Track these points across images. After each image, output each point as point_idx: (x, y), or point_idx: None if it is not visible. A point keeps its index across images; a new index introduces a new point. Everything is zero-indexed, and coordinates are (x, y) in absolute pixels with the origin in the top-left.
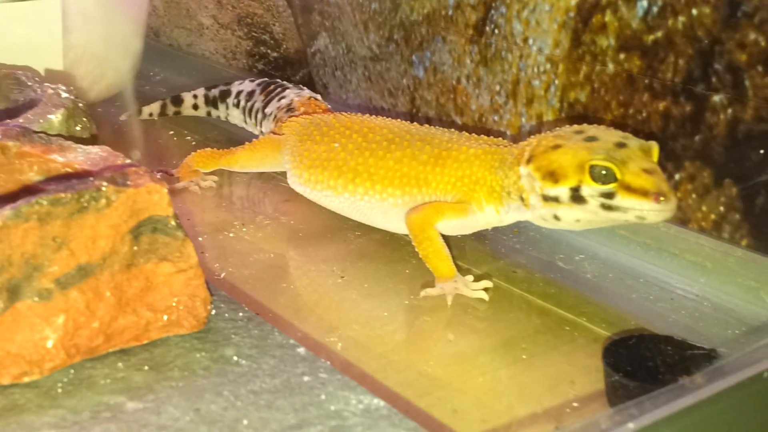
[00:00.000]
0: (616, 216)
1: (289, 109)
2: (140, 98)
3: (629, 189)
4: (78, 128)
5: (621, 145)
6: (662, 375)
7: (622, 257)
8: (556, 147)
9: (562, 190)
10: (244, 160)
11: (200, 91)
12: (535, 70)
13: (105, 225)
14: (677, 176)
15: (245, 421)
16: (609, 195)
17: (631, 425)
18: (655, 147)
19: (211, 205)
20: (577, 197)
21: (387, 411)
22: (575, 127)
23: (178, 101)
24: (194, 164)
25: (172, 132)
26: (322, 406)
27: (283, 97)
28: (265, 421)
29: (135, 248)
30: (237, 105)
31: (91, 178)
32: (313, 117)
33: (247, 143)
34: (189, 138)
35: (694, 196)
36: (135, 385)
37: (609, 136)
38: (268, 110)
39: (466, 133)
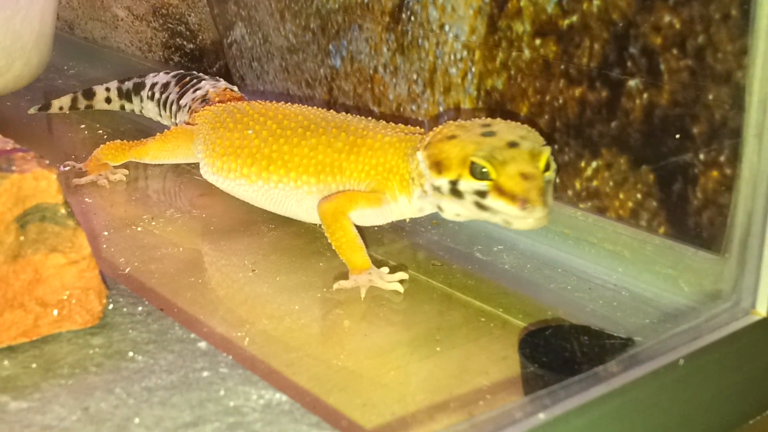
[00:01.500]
0: (487, 216)
1: (204, 100)
2: (53, 92)
3: (500, 191)
4: None
5: (513, 145)
6: (578, 365)
7: (541, 247)
8: (451, 137)
9: (443, 182)
10: (155, 151)
11: (113, 84)
12: (452, 57)
13: None
14: (594, 164)
15: (137, 420)
16: (482, 194)
17: (541, 415)
18: (545, 152)
19: (121, 199)
20: (455, 191)
21: (289, 406)
22: (485, 120)
23: (90, 94)
24: (103, 157)
25: (83, 126)
26: (221, 402)
27: (198, 89)
28: (158, 418)
29: (21, 238)
30: (151, 97)
31: None
32: (226, 105)
33: (158, 134)
34: (101, 131)
35: (611, 183)
36: (21, 384)
37: (508, 133)
38: (182, 102)
39: (384, 122)
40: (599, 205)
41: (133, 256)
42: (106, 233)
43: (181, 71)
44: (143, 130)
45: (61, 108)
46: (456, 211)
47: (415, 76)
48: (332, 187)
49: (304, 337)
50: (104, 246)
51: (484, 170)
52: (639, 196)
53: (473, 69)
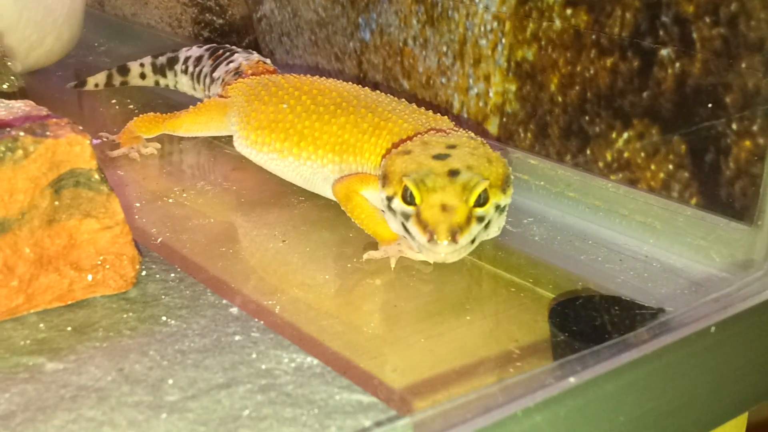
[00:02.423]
0: (410, 239)
1: (237, 72)
2: (84, 68)
3: (418, 218)
4: (5, 86)
5: (453, 174)
6: (608, 334)
7: (571, 219)
8: (406, 153)
9: (383, 195)
10: (189, 124)
11: (147, 60)
12: (482, 29)
13: (23, 177)
14: (625, 135)
15: (170, 381)
16: (407, 216)
17: (572, 379)
18: (478, 187)
19: (153, 172)
20: (390, 207)
21: (320, 369)
22: (459, 138)
23: (124, 71)
24: (136, 129)
25: (114, 101)
26: (253, 365)
27: (231, 61)
28: (191, 380)
29: (56, 203)
30: (185, 71)
31: (8, 129)
32: (261, 78)
33: (191, 107)
34: (132, 106)
35: (642, 154)
36: (56, 346)
37: (460, 159)
38: (216, 74)
39: (415, 106)
40: (630, 177)
41: (164, 226)
42: (138, 205)
43: (214, 45)
44: (174, 105)
45: (96, 85)
46: (391, 224)
47: (444, 49)
48: (352, 167)
49: (335, 306)
50: (136, 217)
51: (411, 195)
52: (671, 167)
53: (503, 40)
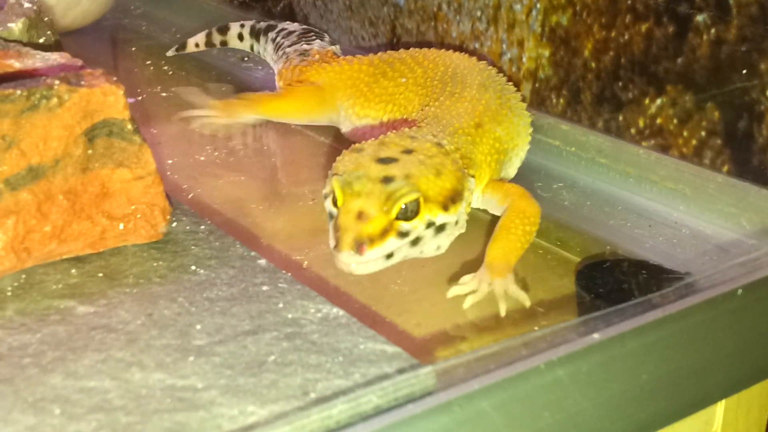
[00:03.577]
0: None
1: (302, 53)
2: (120, 31)
3: (334, 222)
4: (42, 40)
5: (385, 181)
6: (634, 296)
7: (601, 185)
8: (359, 150)
9: (326, 190)
10: (289, 111)
11: (248, 22)
12: None
13: (57, 125)
14: (658, 101)
15: (198, 326)
16: (330, 218)
17: (596, 335)
18: (406, 198)
19: (185, 131)
20: (326, 200)
21: (346, 320)
22: (422, 143)
23: (224, 30)
24: (241, 109)
25: (149, 62)
26: (279, 314)
27: (310, 44)
28: (219, 326)
29: (90, 152)
30: (273, 40)
31: (44, 78)
32: (367, 57)
33: (284, 93)
34: (166, 68)
35: (675, 121)
36: (87, 291)
37: (402, 167)
38: (288, 50)
39: (513, 92)
40: (662, 143)
41: (196, 182)
42: (170, 162)
43: (313, 28)
44: (212, 74)
45: (197, 45)
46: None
47: (478, 13)
48: None
49: None
50: (168, 173)
51: (335, 196)
52: (703, 133)
53: (538, 5)
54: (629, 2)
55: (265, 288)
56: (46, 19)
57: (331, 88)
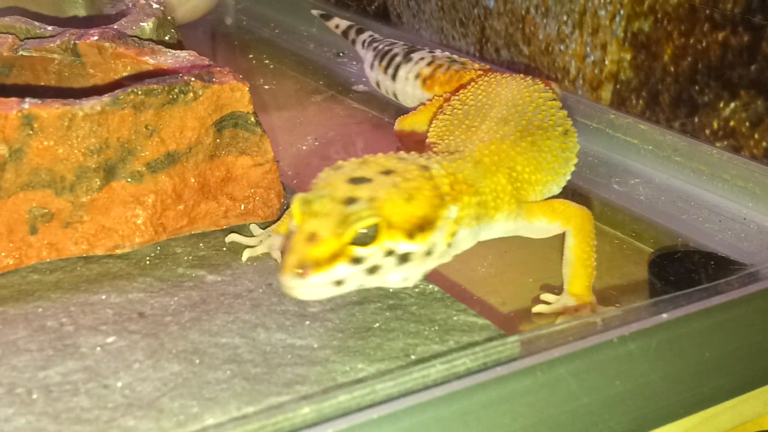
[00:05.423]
0: None
1: (451, 60)
2: (222, 26)
3: (288, 242)
4: (167, 38)
5: (348, 202)
6: (702, 284)
7: (676, 182)
8: (338, 168)
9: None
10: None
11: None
12: (602, 0)
13: (192, 117)
14: (732, 104)
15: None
16: (290, 235)
17: (665, 315)
18: (362, 223)
19: (288, 122)
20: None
21: (441, 295)
22: (406, 164)
23: (360, 32)
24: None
25: (251, 55)
26: (381, 288)
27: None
28: (328, 297)
29: (218, 140)
30: (375, 48)
31: (181, 75)
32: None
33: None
34: (267, 61)
35: (747, 124)
36: (215, 262)
37: (371, 189)
38: (413, 55)
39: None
40: (734, 144)
41: (300, 168)
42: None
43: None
44: (304, 71)
45: (336, 26)
46: None
47: (565, 18)
48: None
49: None
50: (276, 160)
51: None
52: None
53: (621, 12)
54: (707, 12)
55: None
56: (169, 18)
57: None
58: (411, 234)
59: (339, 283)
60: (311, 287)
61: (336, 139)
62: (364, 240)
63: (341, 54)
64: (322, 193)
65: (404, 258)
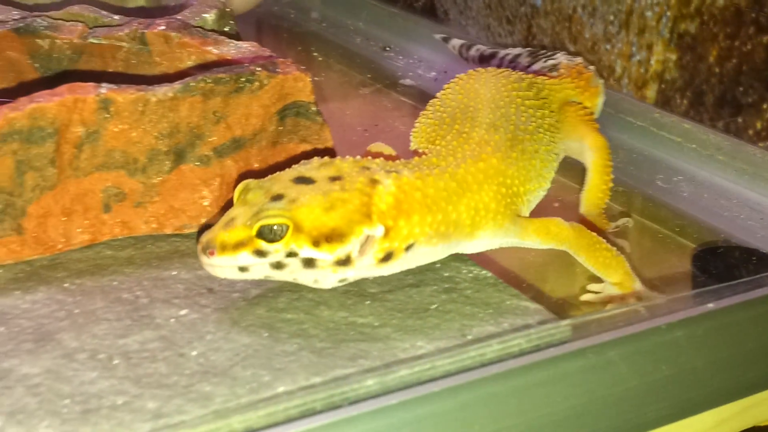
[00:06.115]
0: None
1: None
2: (271, 18)
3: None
4: (227, 29)
5: (274, 198)
6: (744, 278)
7: (718, 180)
8: (303, 164)
9: None
10: None
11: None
12: (649, 1)
13: (257, 105)
14: None
15: (370, 279)
16: None
17: (710, 305)
18: (269, 220)
19: (351, 118)
20: None
21: (494, 280)
22: (356, 175)
23: (468, 48)
24: None
25: (300, 48)
26: (437, 273)
27: (551, 59)
28: (386, 279)
29: (280, 128)
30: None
31: (247, 64)
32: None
33: None
34: (316, 54)
35: None
36: None
37: (303, 192)
38: (535, 67)
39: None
40: None
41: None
42: None
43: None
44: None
45: (453, 47)
46: None
47: (611, 17)
48: None
49: None
50: None
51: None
52: None
53: (668, 13)
54: (753, 15)
55: None
56: (227, 9)
57: None
58: (317, 242)
59: (243, 269)
60: (216, 267)
61: (384, 130)
62: (270, 236)
63: (388, 48)
64: (262, 184)
65: (309, 263)
